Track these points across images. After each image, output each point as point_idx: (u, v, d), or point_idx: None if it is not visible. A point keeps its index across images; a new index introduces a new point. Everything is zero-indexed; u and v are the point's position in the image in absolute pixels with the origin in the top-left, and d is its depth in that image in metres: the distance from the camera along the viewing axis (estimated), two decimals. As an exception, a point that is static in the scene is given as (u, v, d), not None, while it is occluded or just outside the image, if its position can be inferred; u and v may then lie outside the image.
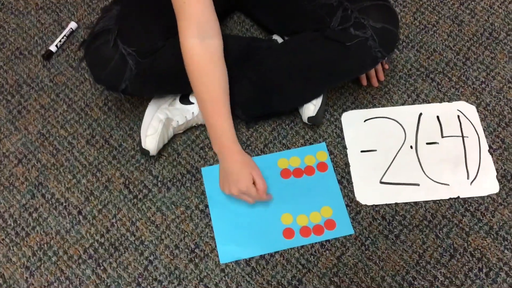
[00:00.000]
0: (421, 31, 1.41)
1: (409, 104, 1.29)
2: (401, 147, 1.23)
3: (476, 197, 1.16)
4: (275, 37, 1.30)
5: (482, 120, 1.26)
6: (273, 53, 1.18)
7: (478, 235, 1.13)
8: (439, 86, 1.32)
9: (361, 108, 1.28)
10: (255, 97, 1.19)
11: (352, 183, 1.19)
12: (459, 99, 1.29)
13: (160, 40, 1.08)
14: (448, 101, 1.29)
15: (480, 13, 1.43)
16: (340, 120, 1.27)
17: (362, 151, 1.22)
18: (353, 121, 1.26)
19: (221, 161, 1.09)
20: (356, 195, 1.17)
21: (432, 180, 1.18)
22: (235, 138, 1.08)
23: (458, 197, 1.16)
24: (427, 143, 1.23)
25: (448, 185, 1.18)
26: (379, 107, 1.28)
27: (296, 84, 1.16)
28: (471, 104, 1.28)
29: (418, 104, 1.28)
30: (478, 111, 1.27)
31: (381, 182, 1.19)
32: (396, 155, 1.22)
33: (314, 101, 1.21)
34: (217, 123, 1.05)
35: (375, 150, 1.23)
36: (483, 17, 1.42)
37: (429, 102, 1.29)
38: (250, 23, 1.42)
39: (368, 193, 1.18)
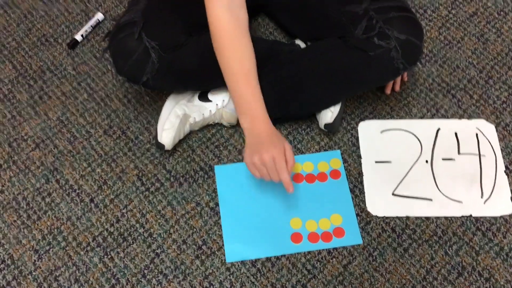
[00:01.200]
0: (445, 47, 1.40)
1: (427, 118, 1.28)
2: (417, 160, 1.22)
3: (489, 217, 1.15)
4: (298, 41, 1.30)
5: (500, 140, 1.25)
6: (294, 57, 1.19)
7: (488, 255, 1.12)
8: (460, 103, 1.31)
9: (378, 119, 1.28)
10: (273, 99, 1.19)
11: (364, 193, 1.19)
12: (479, 117, 1.28)
13: (183, 36, 1.09)
14: (468, 119, 1.28)
15: (506, 32, 1.42)
16: (357, 129, 1.27)
17: (376, 162, 1.22)
18: (369, 131, 1.26)
19: (250, 131, 1.04)
20: (367, 205, 1.17)
21: (446, 196, 1.18)
22: (265, 109, 1.04)
23: (471, 215, 1.15)
24: (443, 159, 1.22)
25: (461, 202, 1.17)
26: (397, 118, 1.28)
27: (315, 90, 1.16)
28: (491, 123, 1.27)
29: (437, 119, 1.28)
30: (497, 131, 1.26)
31: (393, 194, 1.18)
32: (410, 168, 1.21)
33: (332, 108, 1.20)
34: (248, 92, 1.02)
35: (390, 162, 1.22)
36: (509, 37, 1.41)
37: (448, 118, 1.28)
38: (274, 26, 1.42)
39: (380, 204, 1.17)
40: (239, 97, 1.03)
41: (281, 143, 1.03)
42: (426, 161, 1.22)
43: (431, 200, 1.17)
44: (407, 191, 1.18)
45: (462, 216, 1.15)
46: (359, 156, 1.23)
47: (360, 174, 1.21)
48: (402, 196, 1.18)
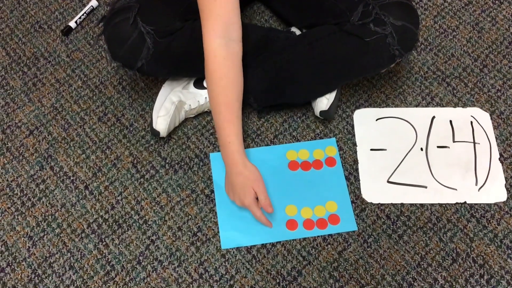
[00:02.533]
0: (441, 35, 1.40)
1: (422, 106, 1.28)
2: (411, 148, 1.22)
3: (483, 204, 1.16)
4: (294, 29, 1.30)
5: (495, 128, 1.25)
6: (290, 44, 1.18)
7: (482, 241, 1.12)
8: (454, 91, 1.31)
9: (374, 107, 1.28)
10: (268, 86, 1.19)
11: (359, 180, 1.19)
12: (474, 105, 1.29)
13: (178, 22, 1.08)
14: (463, 107, 1.28)
15: (501, 21, 1.42)
16: (352, 117, 1.27)
17: (371, 150, 1.22)
18: (365, 119, 1.26)
19: (227, 166, 1.07)
20: (362, 192, 1.17)
21: (440, 183, 1.18)
22: (242, 148, 1.06)
23: (465, 202, 1.16)
24: (438, 147, 1.23)
25: (456, 189, 1.17)
26: (392, 106, 1.28)
27: (310, 77, 1.16)
28: (485, 111, 1.27)
29: (432, 107, 1.28)
30: (491, 119, 1.26)
31: (388, 182, 1.18)
32: (405, 156, 1.21)
33: (327, 96, 1.20)
34: (226, 130, 1.04)
35: (385, 150, 1.22)
36: (504, 26, 1.41)
37: (443, 106, 1.29)
38: (270, 14, 1.42)
39: (375, 191, 1.17)
40: (220, 130, 1.05)
41: (250, 189, 1.04)
42: (421, 149, 1.22)
43: (426, 187, 1.17)
44: (402, 179, 1.19)
45: (457, 203, 1.16)
46: (354, 144, 1.23)
47: (355, 161, 1.21)
48: (397, 183, 1.18)
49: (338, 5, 1.11)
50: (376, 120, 1.26)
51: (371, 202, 1.16)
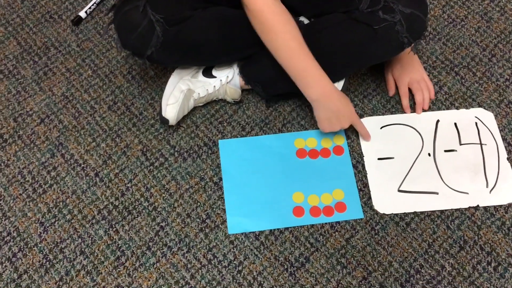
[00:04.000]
0: (449, 25, 1.40)
1: (426, 111, 1.27)
2: (419, 154, 1.21)
3: (496, 205, 1.15)
4: (302, 18, 1.30)
5: (503, 117, 1.25)
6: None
7: (489, 229, 1.13)
8: (463, 80, 1.31)
9: (382, 96, 1.28)
10: (276, 75, 1.19)
11: (366, 169, 1.19)
12: (482, 94, 1.29)
13: (188, 10, 1.09)
14: (470, 96, 1.28)
15: (510, 11, 1.42)
16: (361, 107, 1.27)
17: (379, 159, 1.21)
18: (369, 128, 1.23)
19: (322, 103, 1.11)
20: (374, 203, 1.15)
21: (451, 188, 1.17)
22: (329, 79, 1.10)
23: (478, 206, 1.15)
24: (445, 151, 1.22)
25: (467, 193, 1.16)
26: (398, 108, 1.27)
27: (320, 65, 1.16)
28: (491, 106, 1.27)
29: (435, 111, 1.27)
30: (500, 108, 1.26)
31: (399, 191, 1.17)
32: (414, 163, 1.20)
33: (336, 84, 1.21)
34: (312, 68, 1.08)
35: (393, 158, 1.21)
36: (513, 16, 1.41)
37: (451, 95, 1.29)
38: (278, 4, 1.42)
39: (386, 201, 1.16)
40: (303, 71, 1.08)
41: (350, 106, 1.15)
42: (429, 154, 1.21)
43: (437, 193, 1.16)
44: (413, 186, 1.17)
45: (470, 207, 1.15)
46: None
47: (362, 154, 1.22)
48: (408, 191, 1.17)
49: (346, -7, 1.12)
50: (381, 128, 1.25)
51: (383, 213, 1.15)
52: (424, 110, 1.26)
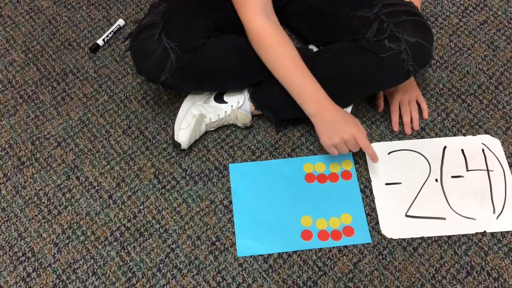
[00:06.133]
0: (456, 53, 1.43)
1: (438, 122, 1.30)
2: (426, 180, 1.23)
3: (504, 231, 1.16)
4: (311, 46, 1.34)
5: (510, 144, 1.27)
6: (306, 60, 1.22)
7: (496, 255, 1.13)
8: (470, 107, 1.33)
9: (390, 122, 1.31)
10: (285, 100, 1.22)
11: (373, 194, 1.21)
12: (489, 121, 1.30)
13: (201, 38, 1.13)
14: (477, 123, 1.30)
15: (516, 40, 1.45)
16: (369, 133, 1.30)
17: (387, 184, 1.23)
18: (377, 153, 1.23)
19: (320, 117, 1.13)
20: (381, 228, 1.17)
21: (458, 214, 1.18)
22: (326, 93, 1.13)
23: (485, 231, 1.16)
24: (452, 177, 1.23)
25: (474, 219, 1.17)
26: (403, 139, 1.29)
27: (327, 92, 1.19)
28: (497, 133, 1.29)
29: (442, 137, 1.29)
30: (506, 135, 1.28)
31: (406, 216, 1.18)
32: (421, 188, 1.22)
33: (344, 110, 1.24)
34: (307, 84, 1.11)
35: (400, 183, 1.23)
36: (519, 45, 1.44)
37: (458, 122, 1.31)
38: (288, 32, 1.46)
39: (394, 226, 1.17)
40: (299, 88, 1.12)
41: (352, 117, 1.15)
42: (436, 180, 1.23)
43: (444, 219, 1.17)
44: (420, 212, 1.19)
45: (477, 233, 1.16)
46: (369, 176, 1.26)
47: (370, 179, 1.24)
48: (415, 216, 1.18)
49: (354, 23, 1.15)
50: (389, 153, 1.27)
51: (391, 238, 1.16)
52: (419, 130, 1.30)
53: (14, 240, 1.18)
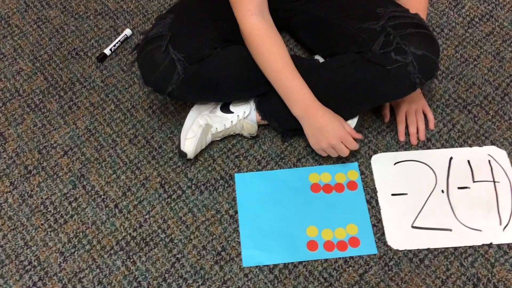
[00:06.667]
0: (462, 64, 1.43)
1: (444, 133, 1.30)
2: (432, 191, 1.23)
3: (510, 243, 1.15)
4: (317, 57, 1.35)
5: (516, 155, 1.27)
6: (312, 70, 1.23)
7: (503, 267, 1.13)
8: (476, 118, 1.33)
9: (396, 133, 1.31)
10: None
11: (379, 205, 1.21)
12: (495, 133, 1.30)
13: (207, 49, 1.14)
14: (483, 134, 1.30)
15: (522, 51, 1.45)
16: (374, 143, 1.30)
17: (392, 195, 1.22)
18: (383, 164, 1.26)
19: (307, 120, 1.16)
20: (387, 239, 1.17)
21: (464, 225, 1.18)
22: (313, 95, 1.15)
23: (491, 243, 1.16)
24: (459, 188, 1.23)
25: (481, 231, 1.17)
26: (409, 149, 1.29)
27: (333, 103, 1.20)
28: (504, 144, 1.28)
29: (448, 148, 1.29)
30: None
31: (412, 227, 1.18)
32: (427, 199, 1.21)
33: (349, 121, 1.24)
34: (296, 86, 1.13)
35: (406, 194, 1.23)
36: (525, 56, 1.44)
37: (464, 133, 1.31)
38: (294, 43, 1.47)
39: (400, 237, 1.17)
40: (288, 90, 1.14)
41: (338, 121, 1.16)
42: (442, 191, 1.23)
43: (450, 230, 1.17)
44: (426, 223, 1.18)
45: (483, 245, 1.16)
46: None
47: (376, 189, 1.24)
48: (421, 228, 1.18)
49: (360, 35, 1.16)
50: (394, 164, 1.27)
51: (397, 249, 1.15)
52: (431, 141, 1.30)
53: (20, 249, 1.19)
